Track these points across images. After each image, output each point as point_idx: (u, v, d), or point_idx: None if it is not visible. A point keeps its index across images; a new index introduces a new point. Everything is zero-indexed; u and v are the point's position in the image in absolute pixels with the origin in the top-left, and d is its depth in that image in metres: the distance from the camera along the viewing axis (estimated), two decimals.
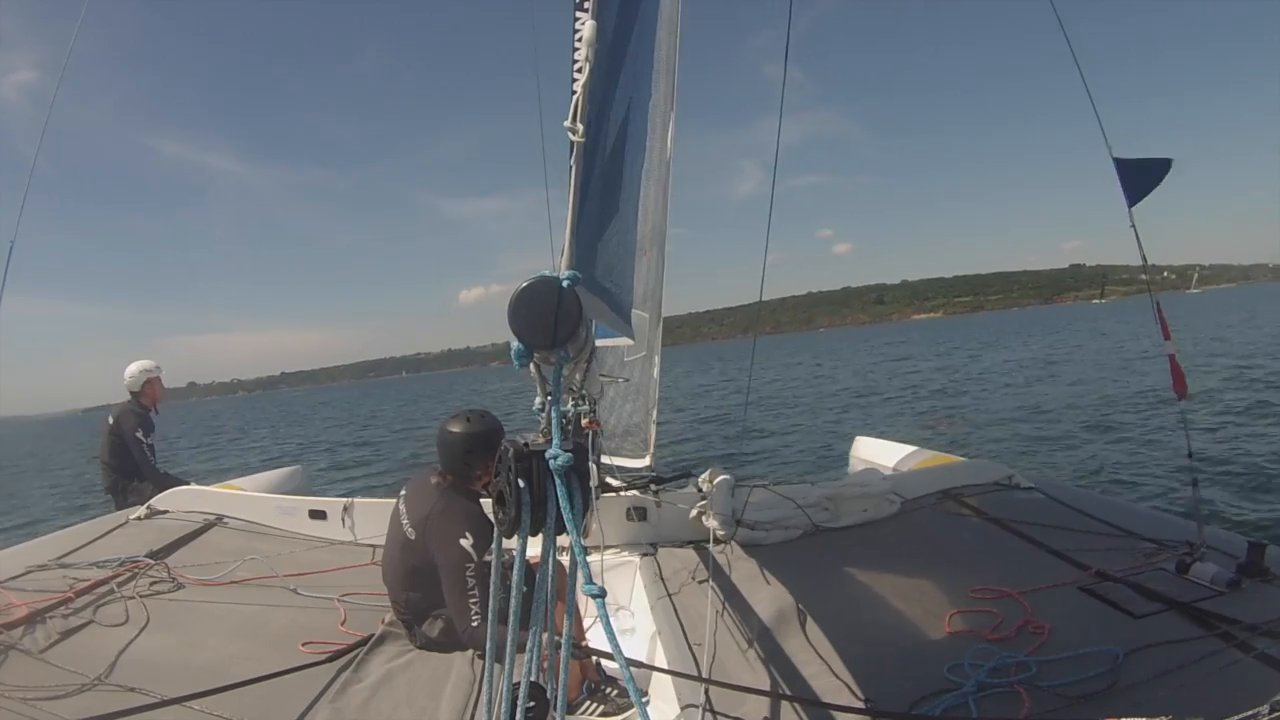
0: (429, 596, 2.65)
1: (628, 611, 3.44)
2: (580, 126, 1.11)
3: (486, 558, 2.54)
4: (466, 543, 2.53)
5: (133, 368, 5.68)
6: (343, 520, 4.17)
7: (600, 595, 1.15)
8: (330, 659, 2.61)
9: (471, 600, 2.49)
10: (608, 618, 1.17)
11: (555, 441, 1.12)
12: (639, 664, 2.47)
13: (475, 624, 2.48)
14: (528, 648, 1.26)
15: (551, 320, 1.08)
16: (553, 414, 1.13)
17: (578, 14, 2.91)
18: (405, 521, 2.69)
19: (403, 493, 2.84)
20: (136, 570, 3.42)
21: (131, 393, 5.66)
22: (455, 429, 2.68)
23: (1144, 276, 3.06)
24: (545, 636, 1.30)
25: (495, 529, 1.22)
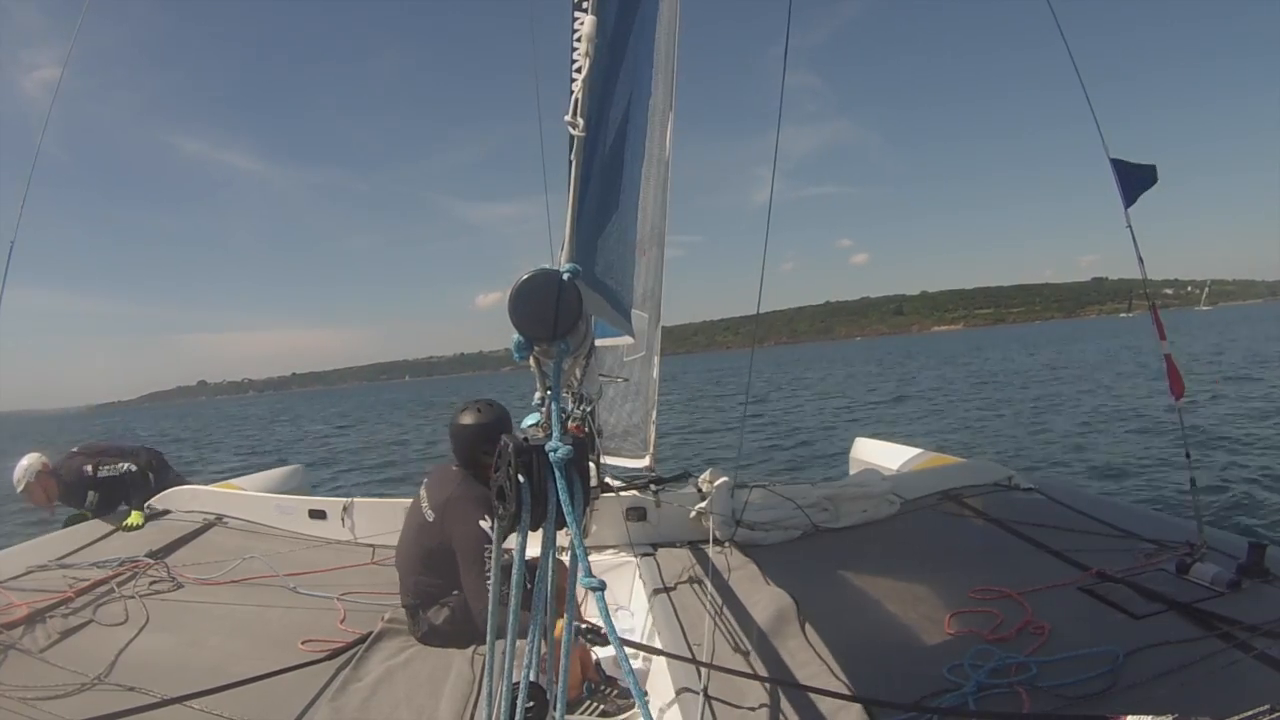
0: (440, 582, 2.68)
1: (627, 611, 3.44)
2: (580, 121, 1.11)
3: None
4: (485, 524, 2.58)
5: (22, 463, 4.46)
6: (342, 520, 4.17)
7: (600, 588, 1.14)
8: (329, 657, 2.61)
9: (489, 582, 2.53)
10: (607, 611, 1.17)
11: (555, 434, 1.12)
12: (639, 646, 2.46)
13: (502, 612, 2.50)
14: (527, 648, 1.26)
15: (552, 312, 1.08)
16: (552, 407, 1.13)
17: (576, 14, 2.92)
18: (425, 505, 2.75)
19: (425, 480, 2.91)
20: (136, 570, 3.42)
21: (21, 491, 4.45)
22: (467, 421, 2.76)
23: (1145, 289, 3.05)
24: (546, 628, 1.30)
25: (495, 524, 1.22)
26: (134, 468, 4.62)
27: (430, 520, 2.70)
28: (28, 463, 4.43)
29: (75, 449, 4.68)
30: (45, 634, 2.71)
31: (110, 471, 4.54)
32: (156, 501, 4.57)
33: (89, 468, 4.50)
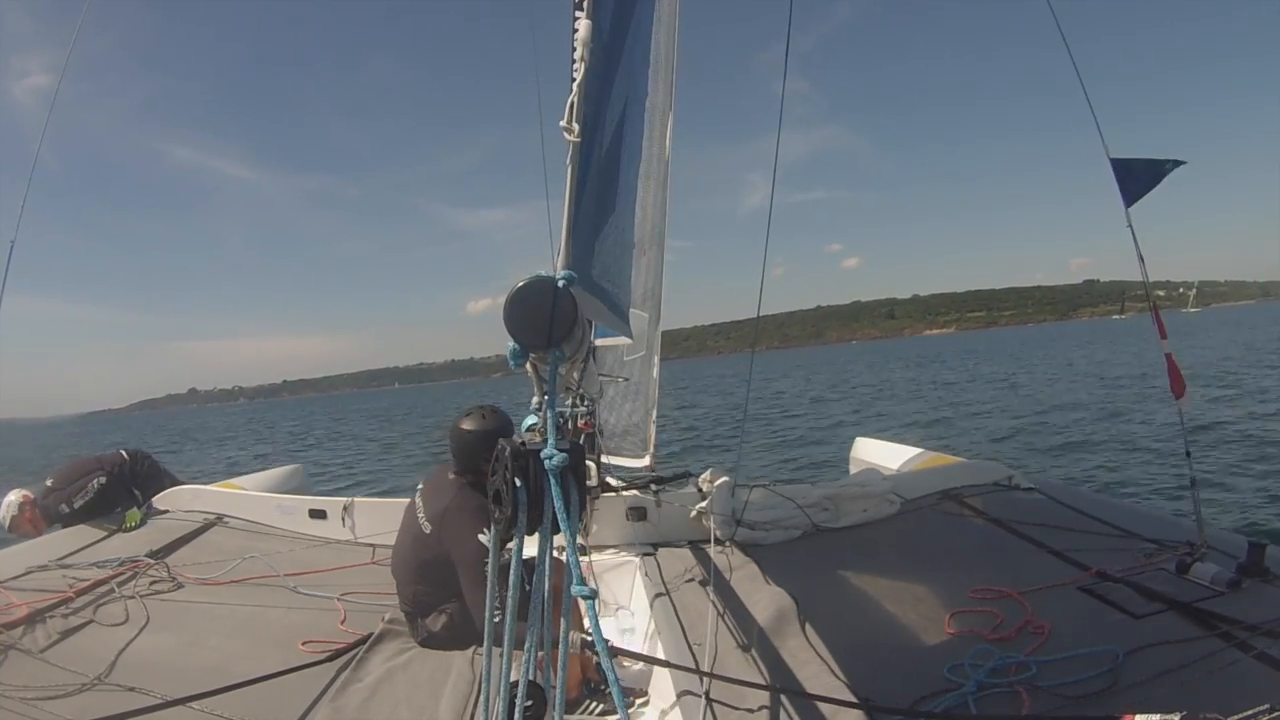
0: (437, 591, 2.66)
1: (628, 611, 3.44)
2: (576, 126, 1.10)
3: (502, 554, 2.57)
4: (484, 538, 2.55)
5: (8, 498, 4.50)
6: (343, 520, 4.18)
7: (591, 597, 1.15)
8: (330, 658, 2.61)
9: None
10: (597, 619, 1.17)
11: (550, 441, 1.12)
12: (638, 656, 2.46)
13: (498, 619, 2.50)
14: (525, 647, 1.26)
15: (547, 320, 1.07)
16: (548, 414, 1.13)
17: (576, 13, 2.92)
18: (421, 515, 2.72)
19: (419, 486, 2.88)
20: (136, 570, 3.43)
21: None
22: (470, 427, 2.71)
23: (1144, 290, 3.03)
24: (544, 630, 1.30)
25: (492, 528, 1.22)
26: (103, 479, 4.58)
27: (427, 532, 2.67)
28: (11, 498, 4.44)
29: (49, 482, 4.62)
30: (45, 634, 2.71)
31: (84, 499, 4.49)
32: (157, 501, 4.57)
33: (64, 507, 4.48)
